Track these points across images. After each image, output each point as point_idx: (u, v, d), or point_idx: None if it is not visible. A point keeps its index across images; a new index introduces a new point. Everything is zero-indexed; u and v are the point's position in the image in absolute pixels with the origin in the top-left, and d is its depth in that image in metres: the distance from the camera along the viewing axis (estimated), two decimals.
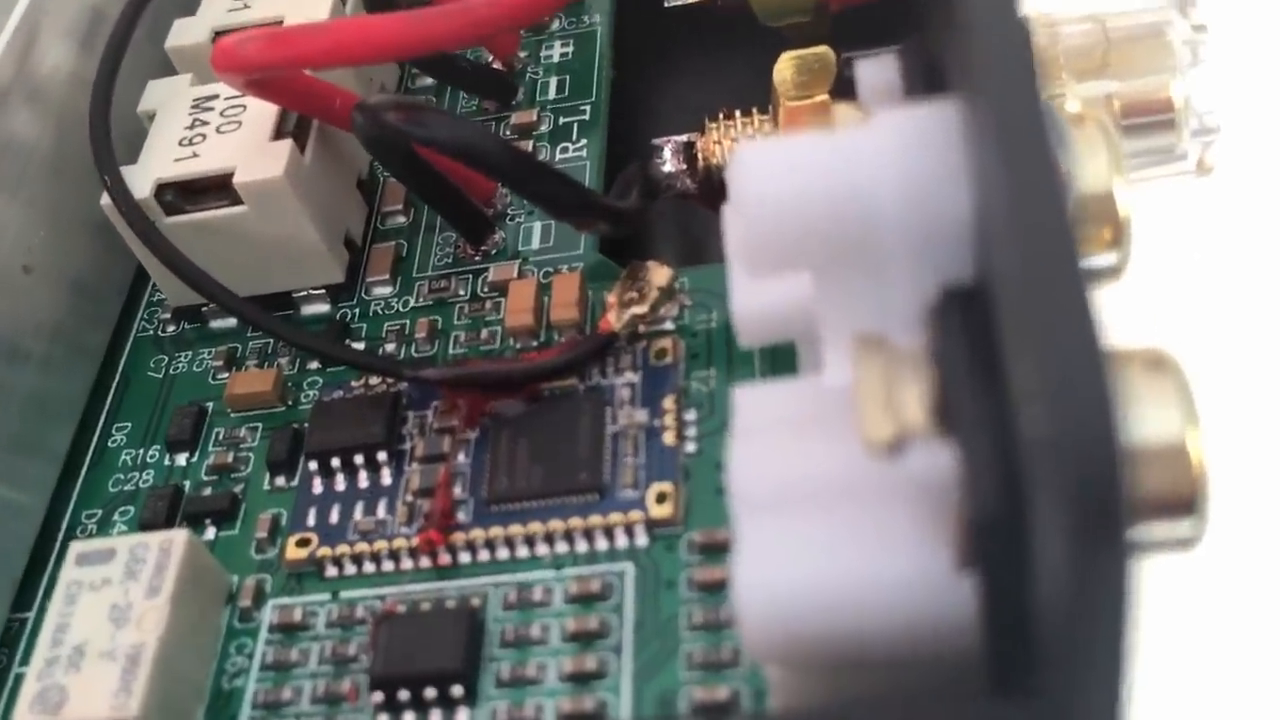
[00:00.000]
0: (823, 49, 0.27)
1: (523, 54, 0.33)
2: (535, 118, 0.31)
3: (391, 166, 0.27)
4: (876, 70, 0.22)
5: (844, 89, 0.26)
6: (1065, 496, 0.13)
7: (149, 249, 0.27)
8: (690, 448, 0.24)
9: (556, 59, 0.33)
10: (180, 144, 0.27)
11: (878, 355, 0.18)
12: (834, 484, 0.18)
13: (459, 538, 0.24)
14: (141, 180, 0.27)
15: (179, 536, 0.23)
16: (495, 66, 0.33)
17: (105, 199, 0.27)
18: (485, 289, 0.28)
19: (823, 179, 0.18)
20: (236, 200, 0.27)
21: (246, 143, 0.27)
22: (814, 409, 0.19)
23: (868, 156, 0.18)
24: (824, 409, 0.19)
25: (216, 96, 0.28)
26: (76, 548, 0.24)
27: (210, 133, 0.28)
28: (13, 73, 0.28)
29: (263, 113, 0.27)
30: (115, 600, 0.23)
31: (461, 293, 0.28)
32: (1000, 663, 0.17)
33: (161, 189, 0.27)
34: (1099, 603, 0.13)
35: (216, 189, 0.27)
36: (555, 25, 0.34)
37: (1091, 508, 0.13)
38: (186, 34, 0.30)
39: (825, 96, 0.26)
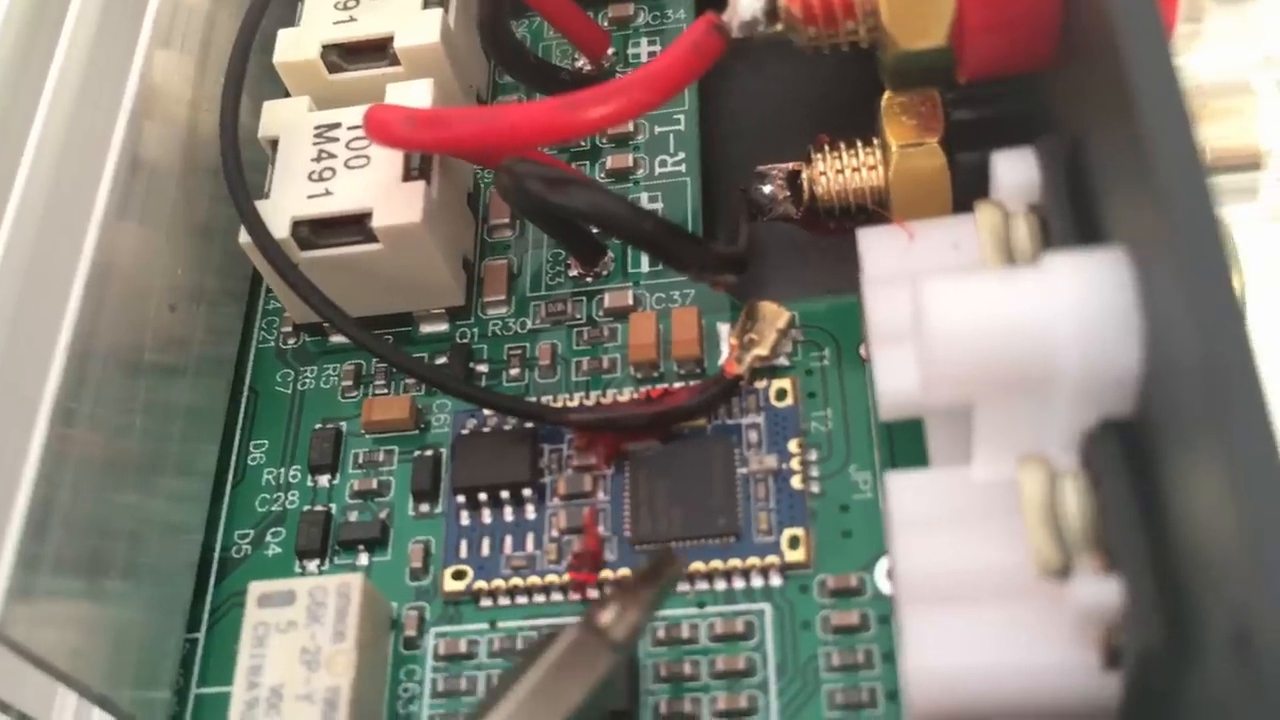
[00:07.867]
0: (930, 91, 0.28)
1: (610, 51, 0.34)
2: (632, 127, 0.32)
3: (526, 215, 0.28)
4: (1015, 167, 0.23)
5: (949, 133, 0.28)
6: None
7: (286, 283, 0.28)
8: (814, 489, 0.26)
9: (644, 58, 0.34)
10: (310, 178, 0.28)
11: (1042, 476, 0.20)
12: (996, 581, 0.21)
13: (606, 574, 0.26)
14: (277, 218, 0.28)
15: (354, 581, 0.25)
16: (588, 70, 0.33)
17: (244, 238, 0.28)
18: (601, 313, 0.30)
19: (1006, 326, 0.19)
20: (370, 238, 0.28)
21: (378, 182, 0.28)
22: (969, 504, 0.22)
23: (1046, 304, 0.19)
24: (979, 505, 0.22)
25: (338, 125, 0.29)
26: (257, 589, 0.26)
27: (339, 167, 0.28)
28: (144, 94, 0.28)
29: (390, 150, 0.28)
30: (303, 644, 0.25)
31: (578, 316, 0.30)
32: None
33: (295, 225, 0.28)
34: None
35: (349, 223, 0.28)
36: (640, 20, 0.34)
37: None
38: (294, 49, 0.30)
39: (936, 144, 0.27)
